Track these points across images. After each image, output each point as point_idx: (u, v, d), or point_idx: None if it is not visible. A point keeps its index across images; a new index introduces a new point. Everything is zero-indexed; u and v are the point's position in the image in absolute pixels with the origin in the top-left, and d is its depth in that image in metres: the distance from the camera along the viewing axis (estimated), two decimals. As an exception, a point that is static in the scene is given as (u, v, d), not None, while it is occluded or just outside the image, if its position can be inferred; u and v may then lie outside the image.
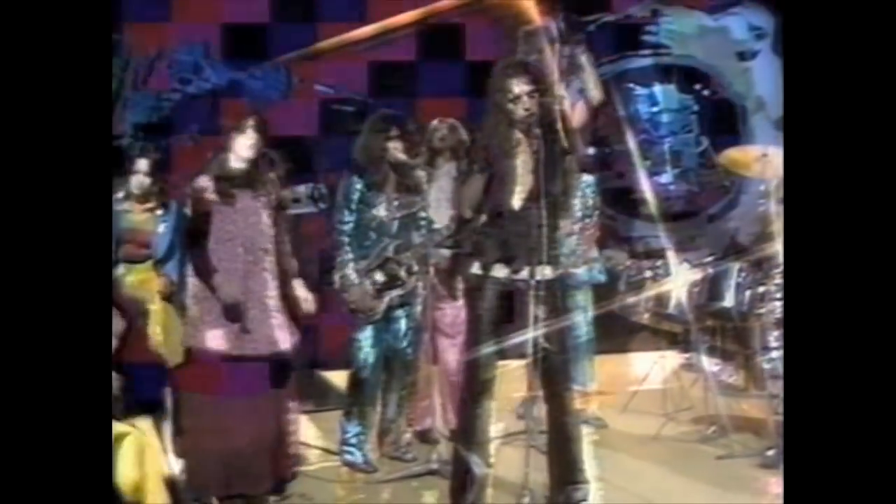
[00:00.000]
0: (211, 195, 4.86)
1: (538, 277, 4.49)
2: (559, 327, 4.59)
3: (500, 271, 4.62)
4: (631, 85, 8.75)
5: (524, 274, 4.54)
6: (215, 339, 4.80)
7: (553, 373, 4.62)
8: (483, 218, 4.68)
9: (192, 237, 4.96)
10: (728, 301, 5.74)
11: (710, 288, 5.82)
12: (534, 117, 4.56)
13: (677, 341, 6.46)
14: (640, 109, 8.78)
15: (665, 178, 8.76)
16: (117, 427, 4.00)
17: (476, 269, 4.68)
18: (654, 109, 8.79)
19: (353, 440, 5.47)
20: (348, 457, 5.46)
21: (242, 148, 4.91)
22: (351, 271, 5.39)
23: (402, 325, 5.54)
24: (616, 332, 6.69)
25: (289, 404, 5.04)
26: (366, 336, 5.48)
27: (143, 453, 4.14)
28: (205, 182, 4.90)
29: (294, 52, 7.98)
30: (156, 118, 8.15)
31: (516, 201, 4.58)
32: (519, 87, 4.56)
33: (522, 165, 4.59)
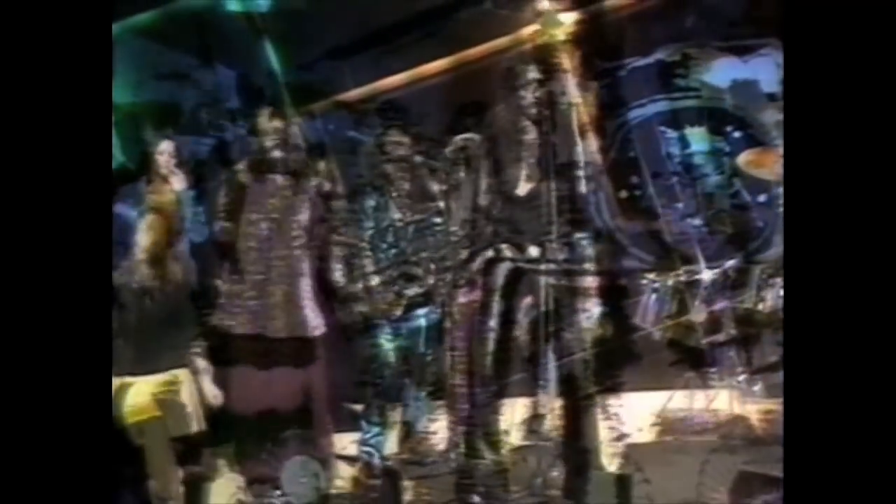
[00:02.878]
0: (243, 176, 5.20)
1: (549, 256, 4.52)
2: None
3: (510, 251, 4.64)
4: (662, 128, 8.77)
5: (534, 253, 4.56)
6: (237, 320, 4.90)
7: (568, 356, 4.61)
8: (494, 206, 4.74)
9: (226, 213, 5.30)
10: (748, 301, 5.69)
11: (732, 289, 5.78)
12: (542, 104, 4.63)
13: (702, 355, 6.37)
14: (671, 153, 8.78)
15: (698, 220, 8.71)
16: None
17: (487, 253, 4.72)
18: (686, 152, 8.77)
19: (373, 441, 5.46)
20: (367, 457, 5.43)
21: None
22: (372, 278, 5.43)
23: (422, 325, 5.55)
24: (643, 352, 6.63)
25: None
26: (385, 336, 5.49)
27: None
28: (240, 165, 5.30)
29: (323, 101, 8.14)
30: (193, 162, 8.36)
31: (524, 186, 4.63)
32: (530, 73, 4.65)
33: (530, 151, 4.65)
